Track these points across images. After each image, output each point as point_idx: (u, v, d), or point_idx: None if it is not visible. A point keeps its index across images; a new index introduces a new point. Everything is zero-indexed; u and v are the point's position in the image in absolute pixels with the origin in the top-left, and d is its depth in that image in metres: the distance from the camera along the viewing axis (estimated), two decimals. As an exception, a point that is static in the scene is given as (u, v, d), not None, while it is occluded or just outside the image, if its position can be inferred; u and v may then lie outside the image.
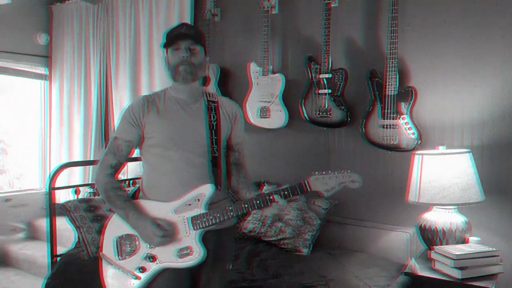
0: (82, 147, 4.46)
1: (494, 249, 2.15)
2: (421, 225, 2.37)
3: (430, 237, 2.32)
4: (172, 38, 1.77)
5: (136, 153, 1.92)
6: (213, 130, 1.82)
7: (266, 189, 3.14)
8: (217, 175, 1.80)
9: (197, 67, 1.80)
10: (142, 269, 1.72)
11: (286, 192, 1.68)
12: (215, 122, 1.84)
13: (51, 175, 2.98)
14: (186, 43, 1.77)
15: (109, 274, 1.79)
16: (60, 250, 2.96)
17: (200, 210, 1.71)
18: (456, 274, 2.05)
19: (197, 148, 1.79)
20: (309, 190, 1.67)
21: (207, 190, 1.73)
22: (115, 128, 1.86)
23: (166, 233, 1.69)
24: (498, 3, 2.49)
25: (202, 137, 1.81)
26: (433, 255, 2.21)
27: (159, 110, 1.81)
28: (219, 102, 1.91)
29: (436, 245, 2.26)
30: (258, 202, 1.68)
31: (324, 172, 1.68)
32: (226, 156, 1.92)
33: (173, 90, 1.86)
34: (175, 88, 1.85)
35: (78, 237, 2.76)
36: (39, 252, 3.91)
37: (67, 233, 3.39)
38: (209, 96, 1.91)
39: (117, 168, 1.82)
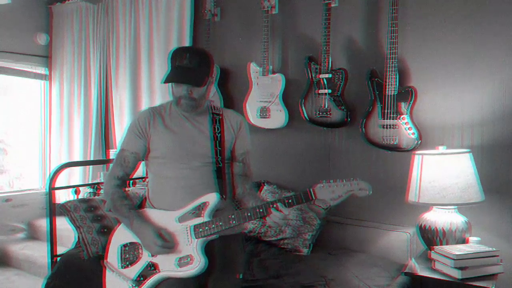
0: (82, 147, 4.46)
1: (494, 249, 2.14)
2: (421, 225, 2.37)
3: (430, 237, 2.32)
4: (173, 75, 1.76)
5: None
6: (217, 142, 1.83)
7: (266, 189, 3.14)
8: (222, 185, 1.80)
9: (199, 99, 1.81)
10: (143, 277, 1.72)
11: (290, 201, 1.65)
12: (219, 134, 1.85)
13: (51, 175, 2.98)
14: (186, 85, 1.77)
15: (110, 282, 1.79)
16: (60, 250, 2.96)
17: (203, 218, 1.71)
18: (456, 274, 2.05)
19: (202, 159, 1.80)
20: (314, 198, 1.64)
21: (211, 198, 1.72)
22: (122, 140, 1.89)
23: (167, 244, 1.68)
24: (498, 2, 2.49)
25: (207, 148, 1.82)
26: (433, 255, 2.21)
27: (165, 122, 1.83)
28: (224, 115, 1.92)
29: (436, 245, 2.26)
30: (261, 210, 1.66)
31: (331, 180, 1.65)
32: (231, 167, 1.92)
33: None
34: None
35: (78, 237, 2.76)
36: (39, 252, 3.91)
37: (67, 233, 3.39)
38: (214, 109, 1.92)
39: (124, 179, 1.85)
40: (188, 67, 1.74)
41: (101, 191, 3.40)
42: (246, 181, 1.93)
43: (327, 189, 1.64)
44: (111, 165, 1.88)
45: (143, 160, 1.88)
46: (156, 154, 1.82)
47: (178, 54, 1.78)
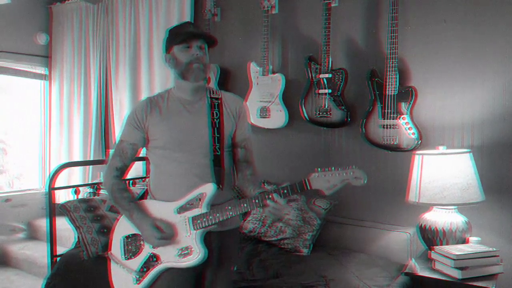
0: (82, 147, 4.46)
1: (494, 249, 2.15)
2: (421, 225, 2.37)
3: (430, 237, 2.32)
4: (184, 37, 1.76)
5: (142, 153, 1.93)
6: (215, 128, 1.80)
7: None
8: (219, 174, 1.78)
9: (206, 66, 1.81)
10: (146, 269, 1.74)
11: (285, 191, 1.62)
12: (218, 120, 1.82)
13: (51, 175, 2.98)
14: (198, 42, 1.78)
15: (115, 274, 1.81)
16: (60, 250, 2.96)
17: (201, 209, 1.70)
18: (456, 274, 2.05)
19: (200, 148, 1.78)
20: (309, 188, 1.62)
21: (208, 189, 1.71)
22: (121, 131, 1.88)
23: (164, 235, 1.69)
24: (498, 3, 2.49)
25: (205, 137, 1.79)
26: (433, 255, 2.21)
27: (162, 112, 1.80)
28: (223, 99, 1.88)
29: (436, 245, 2.26)
30: (257, 201, 1.65)
31: (327, 169, 1.61)
32: (233, 154, 1.89)
33: (177, 90, 1.84)
34: (180, 87, 1.83)
35: (78, 237, 2.76)
36: (39, 252, 3.91)
37: (67, 233, 3.39)
38: (212, 93, 1.88)
39: (123, 170, 1.84)
40: (198, 32, 1.80)
41: (101, 191, 3.41)
42: (247, 167, 1.89)
43: (322, 178, 1.60)
44: (109, 156, 1.87)
45: (143, 148, 1.87)
46: (155, 144, 1.81)
47: (179, 26, 1.82)
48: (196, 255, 1.68)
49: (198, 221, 1.70)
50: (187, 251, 1.69)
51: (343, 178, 1.60)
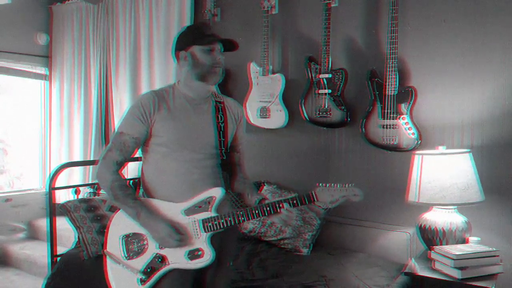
0: (82, 147, 4.46)
1: (494, 249, 2.15)
2: (421, 225, 2.37)
3: (430, 237, 2.32)
4: (211, 39, 1.76)
5: (139, 153, 1.88)
6: (221, 132, 1.82)
7: (266, 189, 3.14)
8: (225, 178, 1.82)
9: (224, 70, 1.83)
10: (151, 269, 1.71)
11: (295, 201, 1.72)
12: (223, 124, 1.84)
13: (51, 175, 2.98)
14: (219, 45, 1.78)
15: (115, 273, 1.75)
16: (60, 250, 2.97)
17: (211, 213, 1.72)
18: (456, 274, 2.05)
19: (205, 149, 1.79)
20: (316, 200, 1.74)
21: (217, 193, 1.74)
22: (120, 123, 1.78)
23: (183, 237, 1.69)
24: (498, 2, 2.49)
25: (211, 138, 1.80)
26: (433, 255, 2.21)
27: (170, 108, 1.76)
28: (225, 103, 1.91)
29: (436, 245, 2.26)
30: (268, 209, 1.71)
31: (327, 184, 1.74)
32: (230, 157, 1.92)
33: (185, 88, 1.82)
34: (190, 86, 1.81)
35: (78, 237, 2.76)
36: (39, 252, 3.92)
37: (67, 233, 3.39)
38: (216, 96, 1.91)
39: (122, 165, 1.76)
40: (222, 38, 1.80)
41: (101, 191, 3.40)
42: (240, 171, 1.96)
43: (327, 193, 1.73)
44: (105, 149, 1.76)
45: (141, 145, 1.80)
46: (158, 141, 1.76)
47: (204, 27, 1.81)
48: (208, 257, 1.70)
49: (210, 224, 1.71)
50: (198, 253, 1.70)
51: (344, 194, 1.73)
